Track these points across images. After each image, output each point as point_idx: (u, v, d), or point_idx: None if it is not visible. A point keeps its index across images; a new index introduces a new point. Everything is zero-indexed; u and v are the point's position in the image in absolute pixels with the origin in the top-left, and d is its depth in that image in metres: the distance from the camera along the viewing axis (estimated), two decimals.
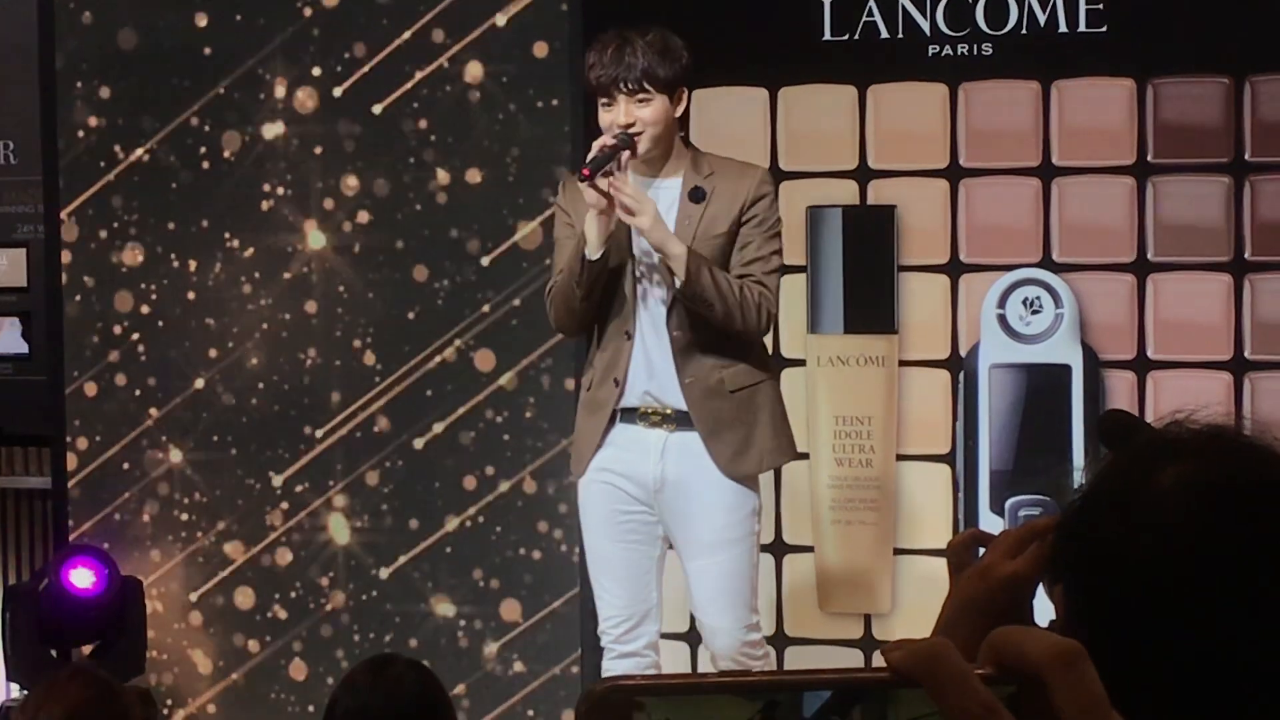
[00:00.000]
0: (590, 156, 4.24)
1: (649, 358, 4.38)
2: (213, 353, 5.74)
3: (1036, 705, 0.76)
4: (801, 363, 5.15)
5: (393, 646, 5.50)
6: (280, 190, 5.69)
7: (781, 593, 5.25)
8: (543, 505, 5.53)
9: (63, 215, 5.81)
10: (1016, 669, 0.77)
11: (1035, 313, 5.08)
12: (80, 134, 5.80)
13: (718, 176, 4.40)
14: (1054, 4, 5.07)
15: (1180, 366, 5.03)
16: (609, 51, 4.33)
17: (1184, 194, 5.02)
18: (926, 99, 5.15)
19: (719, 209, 4.38)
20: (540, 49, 5.49)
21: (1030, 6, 5.08)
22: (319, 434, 5.69)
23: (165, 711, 5.75)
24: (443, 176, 5.59)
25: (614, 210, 4.23)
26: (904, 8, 5.15)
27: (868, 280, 5.19)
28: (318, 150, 5.67)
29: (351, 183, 5.65)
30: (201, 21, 5.72)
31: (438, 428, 5.61)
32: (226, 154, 5.73)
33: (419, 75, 5.58)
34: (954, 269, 5.16)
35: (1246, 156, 4.99)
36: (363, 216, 5.65)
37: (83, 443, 5.82)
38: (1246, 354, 5.00)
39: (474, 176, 5.56)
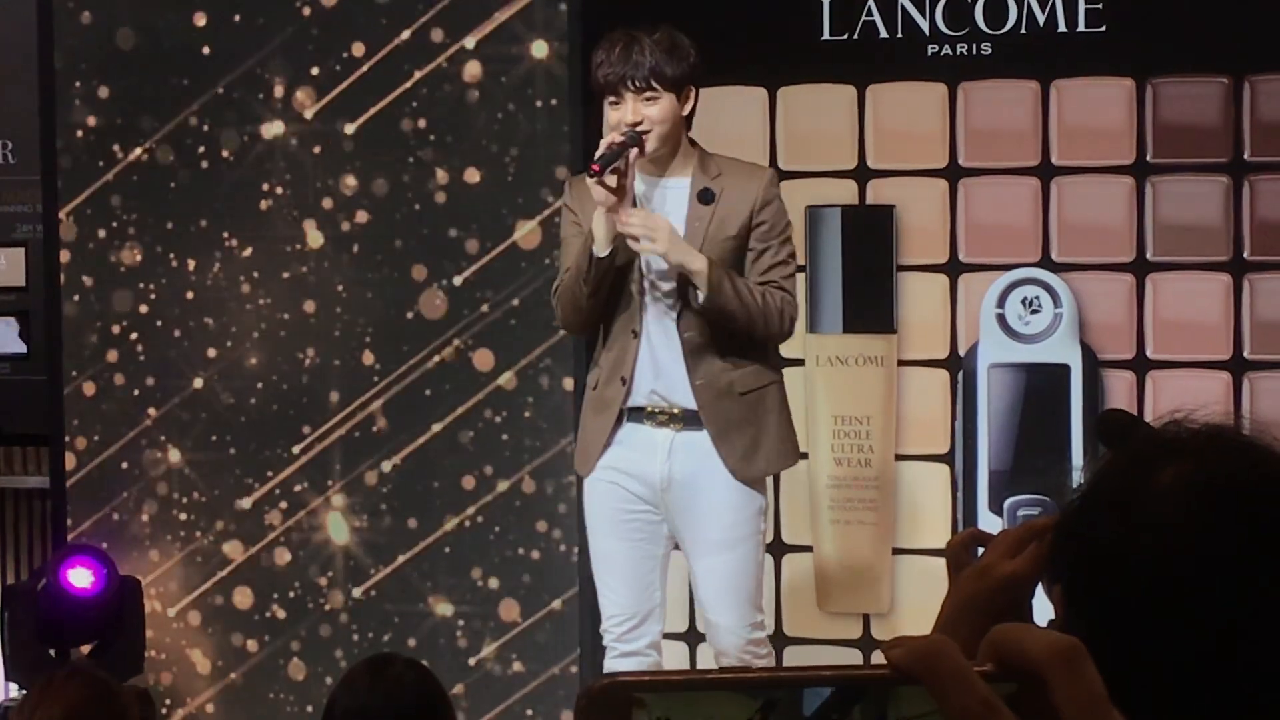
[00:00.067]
0: (599, 153, 4.26)
1: (655, 356, 4.39)
2: (211, 352, 5.74)
3: (1037, 703, 0.76)
4: (800, 362, 5.15)
5: (391, 646, 5.50)
6: (279, 190, 5.69)
7: (780, 592, 5.25)
8: (541, 505, 5.53)
9: (61, 215, 5.81)
10: (1017, 666, 0.77)
11: (1034, 312, 5.08)
12: (79, 133, 5.79)
13: (725, 177, 4.41)
14: (1053, 4, 5.07)
15: (1179, 366, 5.03)
16: (617, 50, 4.34)
17: (1183, 194, 5.02)
18: (926, 99, 5.15)
19: (728, 211, 4.39)
20: (539, 49, 5.49)
21: (1029, 6, 5.08)
22: (318, 434, 5.69)
23: (164, 711, 5.75)
24: (441, 176, 5.59)
25: (622, 207, 4.24)
26: (903, 7, 5.15)
27: (867, 280, 5.18)
28: (316, 150, 5.66)
29: (350, 182, 5.65)
30: (200, 21, 5.72)
31: (436, 427, 5.61)
32: (225, 154, 5.73)
33: (418, 75, 5.58)
34: (953, 269, 5.16)
35: (1246, 156, 4.99)
36: (361, 216, 5.64)
37: (81, 442, 5.82)
38: (1245, 354, 5.00)
39: (473, 176, 5.56)
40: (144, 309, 5.78)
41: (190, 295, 5.75)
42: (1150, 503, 1.27)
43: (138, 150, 5.77)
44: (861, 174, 5.20)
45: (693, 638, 5.22)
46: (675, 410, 4.40)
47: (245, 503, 5.74)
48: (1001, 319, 5.10)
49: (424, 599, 5.61)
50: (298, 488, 5.70)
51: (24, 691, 5.37)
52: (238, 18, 5.69)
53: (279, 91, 5.68)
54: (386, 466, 5.65)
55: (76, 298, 5.81)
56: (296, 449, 5.70)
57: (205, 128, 5.73)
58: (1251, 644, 1.22)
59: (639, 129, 4.30)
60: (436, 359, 5.60)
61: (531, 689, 5.54)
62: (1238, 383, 5.00)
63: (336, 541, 5.69)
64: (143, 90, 5.76)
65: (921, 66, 5.14)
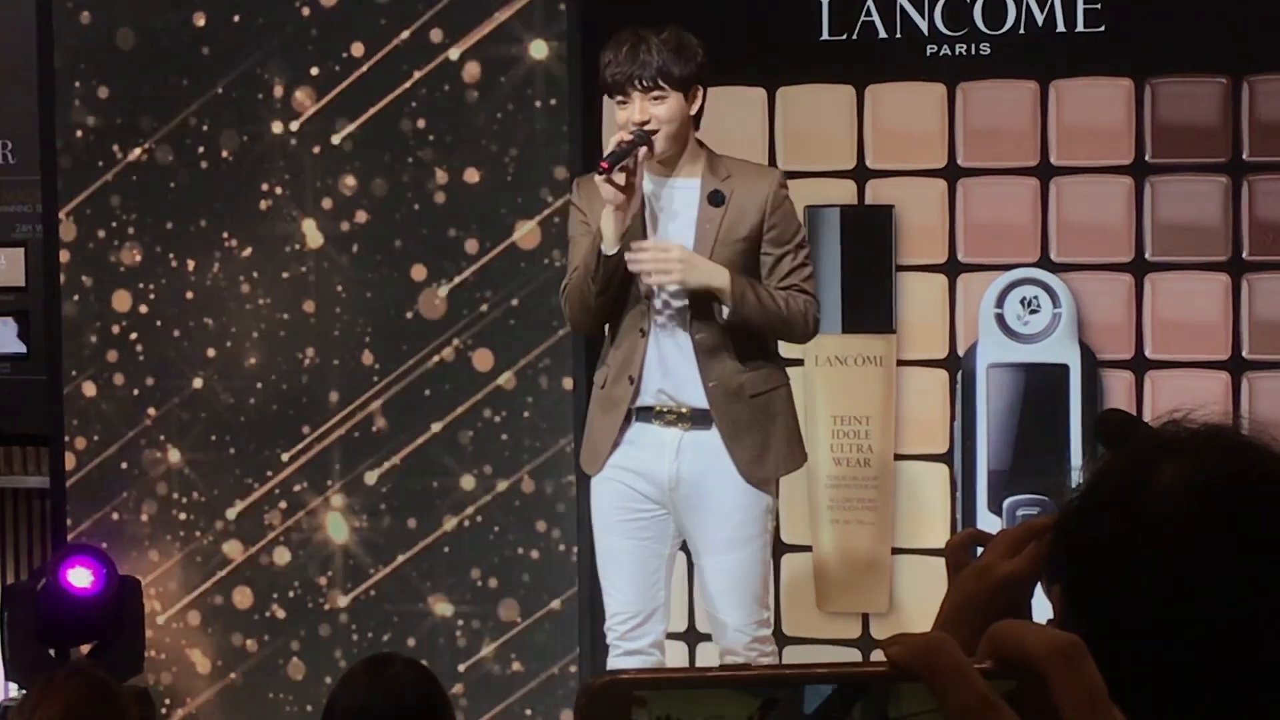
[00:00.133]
0: (608, 152, 4.27)
1: (662, 355, 4.40)
2: (211, 352, 5.74)
3: (1036, 700, 0.76)
4: (800, 362, 5.15)
5: (391, 646, 5.50)
6: (279, 190, 5.69)
7: (780, 592, 5.25)
8: (541, 505, 5.53)
9: (61, 215, 5.81)
10: (1016, 663, 0.77)
11: (1033, 312, 5.08)
12: (79, 133, 5.79)
13: (735, 179, 4.43)
14: (1052, 4, 5.07)
15: (1178, 366, 5.03)
16: (624, 49, 4.36)
17: (1182, 193, 5.02)
18: (925, 99, 5.15)
19: (738, 213, 4.41)
20: (539, 49, 5.49)
21: (1028, 6, 5.09)
22: (317, 433, 5.69)
23: (163, 711, 5.75)
24: (441, 176, 5.59)
25: (630, 205, 4.26)
26: (902, 8, 5.15)
27: (866, 280, 5.18)
28: (316, 150, 5.67)
29: (350, 182, 5.65)
30: (200, 21, 5.72)
31: (436, 427, 5.61)
32: (225, 153, 5.73)
33: (417, 75, 5.58)
34: (952, 269, 5.16)
35: (1244, 156, 4.99)
36: (361, 216, 5.65)
37: (81, 442, 5.82)
38: (1244, 354, 5.00)
39: (472, 176, 5.56)
40: (143, 309, 5.78)
41: (190, 295, 5.75)
42: (1149, 502, 1.27)
43: (137, 150, 5.77)
44: (860, 174, 5.20)
45: (693, 637, 5.22)
46: (683, 409, 4.41)
47: (245, 503, 5.74)
48: (1000, 319, 5.10)
49: (423, 599, 5.62)
50: (297, 487, 5.70)
51: (24, 691, 5.37)
52: (237, 18, 5.69)
53: (278, 91, 5.68)
54: (386, 466, 5.65)
55: (76, 298, 5.81)
56: (296, 449, 5.70)
57: (205, 128, 5.73)
58: (1250, 643, 1.22)
59: (647, 128, 4.32)
60: (436, 360, 5.60)
61: (531, 689, 5.54)
62: (1236, 382, 5.00)
63: (336, 541, 5.69)
64: (142, 90, 5.76)
65: (920, 67, 5.14)
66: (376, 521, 5.66)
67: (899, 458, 5.19)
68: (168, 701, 5.78)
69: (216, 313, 5.73)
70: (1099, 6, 5.04)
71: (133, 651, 5.57)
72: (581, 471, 5.30)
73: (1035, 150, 5.09)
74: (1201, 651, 1.22)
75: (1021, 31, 5.09)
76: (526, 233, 5.53)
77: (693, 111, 4.41)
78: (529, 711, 5.55)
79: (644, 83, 4.33)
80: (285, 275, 5.69)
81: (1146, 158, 5.03)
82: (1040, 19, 5.08)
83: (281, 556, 5.72)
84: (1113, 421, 1.60)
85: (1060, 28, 5.07)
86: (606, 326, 4.49)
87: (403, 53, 5.59)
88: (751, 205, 4.41)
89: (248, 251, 5.71)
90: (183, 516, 5.78)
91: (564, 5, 5.44)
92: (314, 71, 5.66)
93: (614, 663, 4.58)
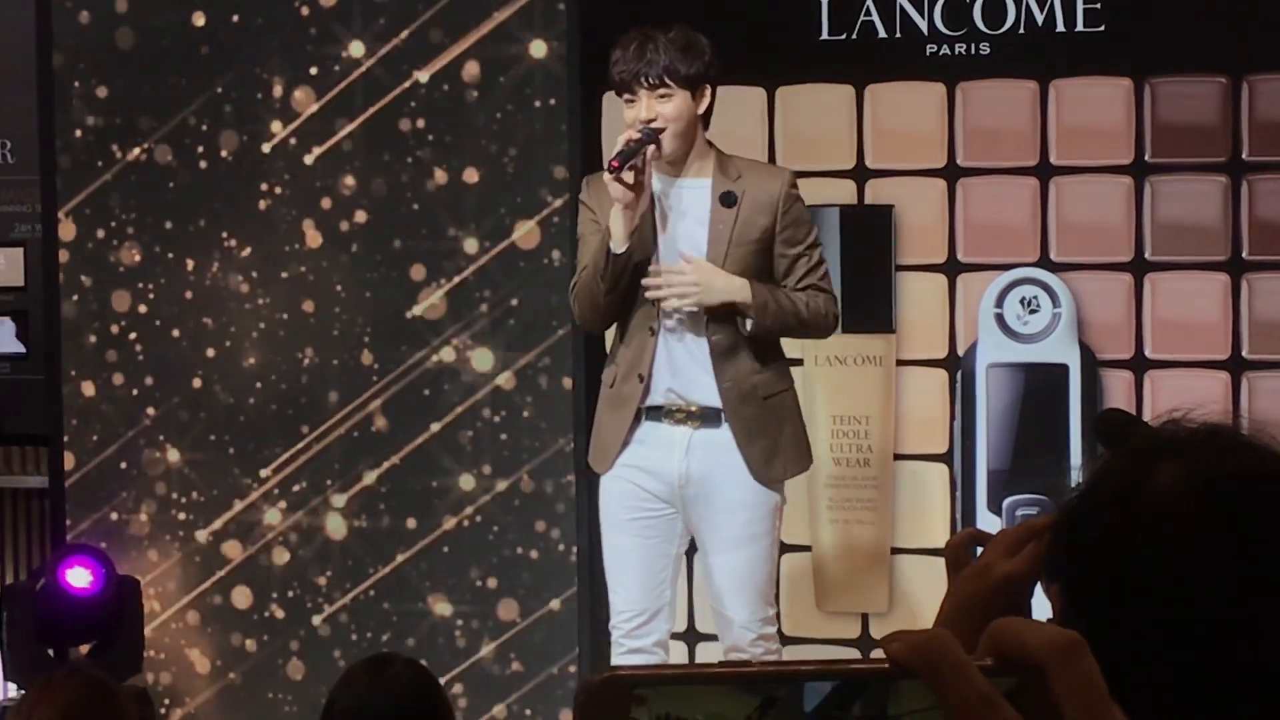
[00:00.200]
0: (616, 150, 4.29)
1: (671, 354, 4.43)
2: (210, 352, 5.74)
3: (1036, 697, 0.76)
4: (799, 362, 5.15)
5: (390, 646, 5.50)
6: (278, 190, 5.69)
7: (779, 592, 5.24)
8: (540, 505, 5.53)
9: (60, 214, 5.81)
10: (1017, 660, 0.77)
11: (1033, 312, 5.08)
12: (78, 133, 5.79)
13: (746, 179, 4.45)
14: (1052, 4, 5.07)
15: (1178, 366, 5.03)
16: (631, 48, 4.38)
17: (1181, 193, 5.02)
18: (924, 98, 5.15)
19: (750, 214, 4.43)
20: (538, 49, 5.49)
21: (1028, 6, 5.08)
22: (316, 433, 5.69)
23: (163, 711, 5.75)
24: (440, 176, 5.59)
25: (639, 204, 4.27)
26: (902, 7, 5.15)
27: (865, 280, 5.18)
28: (315, 149, 5.66)
29: (349, 182, 5.64)
30: (199, 21, 5.72)
31: (435, 427, 5.60)
32: (224, 153, 5.72)
33: (416, 75, 5.58)
34: (951, 268, 5.16)
35: (1244, 156, 4.99)
36: (360, 216, 5.64)
37: (80, 442, 5.82)
38: (1244, 353, 5.00)
39: (471, 176, 5.56)
40: (143, 309, 5.78)
41: (189, 295, 5.75)
42: (1148, 502, 1.27)
43: (136, 150, 5.77)
44: (860, 174, 5.20)
45: (692, 637, 5.22)
46: (693, 408, 4.43)
47: (244, 502, 5.73)
48: (1000, 319, 5.10)
49: (423, 598, 5.61)
50: (296, 487, 5.70)
51: (22, 692, 5.37)
52: (236, 18, 5.69)
53: (278, 91, 5.68)
54: (385, 466, 5.64)
55: (75, 297, 5.81)
56: (295, 449, 5.70)
57: (204, 127, 5.73)
58: (1249, 641, 1.22)
59: (653, 126, 4.33)
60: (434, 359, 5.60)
61: (530, 689, 5.54)
62: (1236, 382, 5.00)
63: (335, 541, 5.69)
64: (142, 90, 5.76)
65: (920, 66, 5.14)
66: (376, 521, 5.65)
67: (899, 457, 5.19)
68: (167, 701, 5.78)
69: (216, 313, 5.73)
70: (1099, 6, 5.04)
71: (132, 651, 5.57)
72: (581, 471, 5.31)
73: (1035, 150, 5.09)
74: (1201, 651, 1.21)
75: (1021, 31, 5.09)
76: (526, 232, 5.53)
77: (700, 111, 4.43)
78: (528, 711, 5.55)
79: (650, 80, 4.35)
80: (284, 275, 5.69)
81: (1146, 157, 5.03)
82: (1040, 19, 5.08)
83: (281, 556, 5.72)
84: (1112, 421, 1.60)
85: (1060, 27, 5.07)
86: (618, 324, 4.51)
87: (402, 52, 5.59)
88: (764, 206, 4.43)
89: (247, 251, 5.71)
90: (182, 516, 5.78)
91: (563, 5, 5.43)
92: (313, 71, 5.66)
93: (617, 660, 4.59)
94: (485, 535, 5.57)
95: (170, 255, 5.76)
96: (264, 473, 5.72)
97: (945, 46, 5.14)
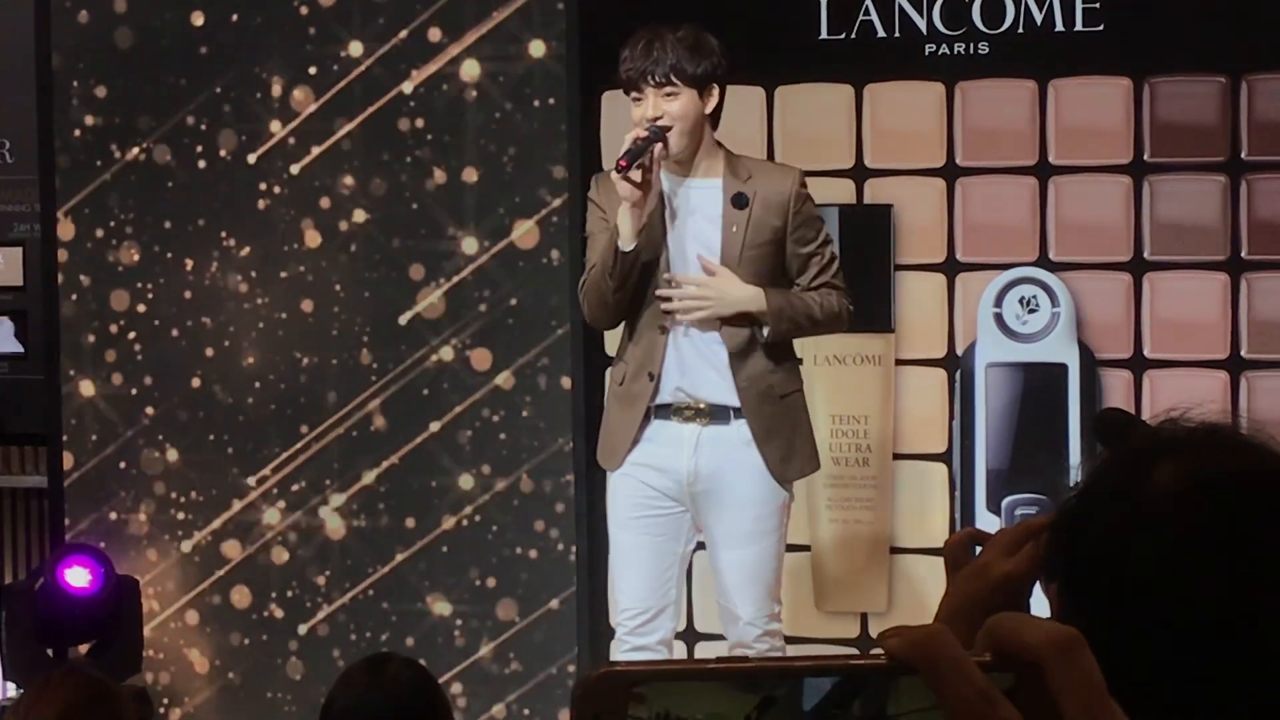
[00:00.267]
0: (624, 149, 4.29)
1: (681, 353, 4.44)
2: (209, 352, 5.74)
3: (1035, 693, 0.76)
4: (799, 361, 5.15)
5: (389, 645, 5.50)
6: (277, 189, 5.69)
7: None
8: (539, 504, 5.53)
9: (59, 214, 5.81)
10: (1015, 655, 0.76)
11: (1032, 311, 5.08)
12: (77, 133, 5.79)
13: (756, 179, 4.48)
14: (1050, 3, 5.07)
15: (1177, 365, 5.03)
16: (639, 46, 4.41)
17: (1180, 193, 5.02)
18: (923, 98, 5.15)
19: (762, 214, 4.46)
20: (537, 48, 5.49)
21: (1027, 5, 5.08)
22: (315, 433, 5.69)
23: (161, 711, 5.75)
24: (439, 175, 5.59)
25: (646, 202, 4.29)
26: (900, 7, 5.15)
27: (864, 279, 5.17)
28: (314, 149, 5.66)
29: (348, 182, 5.64)
30: (198, 20, 5.72)
31: (434, 427, 5.60)
32: (223, 153, 5.72)
33: (415, 74, 5.58)
34: (950, 268, 5.16)
35: (1243, 155, 4.99)
36: (359, 215, 5.64)
37: (79, 442, 5.82)
38: (1243, 353, 5.00)
39: (470, 175, 5.56)
40: (141, 308, 5.78)
41: (188, 295, 5.75)
42: (1146, 501, 1.27)
43: (135, 150, 5.77)
44: (859, 173, 5.20)
45: (692, 637, 5.22)
46: (701, 405, 4.45)
47: (243, 502, 5.73)
48: (999, 318, 5.10)
49: (422, 598, 5.61)
50: (295, 487, 5.70)
51: (22, 691, 5.37)
52: (235, 17, 5.69)
53: (277, 91, 5.68)
54: (384, 466, 5.64)
55: (74, 297, 5.81)
56: (294, 448, 5.70)
57: (203, 127, 5.73)
58: (1248, 640, 1.22)
59: (660, 124, 4.34)
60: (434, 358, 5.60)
61: (529, 688, 5.54)
62: (1235, 382, 5.00)
63: (334, 541, 5.69)
64: (140, 90, 5.76)
65: (919, 66, 5.14)
66: (375, 521, 5.65)
67: (897, 457, 5.19)
68: (166, 701, 5.78)
69: (214, 312, 5.73)
70: (1098, 6, 5.04)
71: (131, 651, 5.57)
72: (580, 471, 5.32)
73: (1034, 149, 5.09)
74: (1199, 650, 1.21)
75: (1020, 31, 5.09)
76: (525, 232, 5.53)
77: (708, 110, 4.44)
78: (527, 711, 5.55)
79: (657, 78, 4.37)
80: (283, 275, 5.69)
81: (1145, 157, 5.03)
82: (1039, 18, 5.08)
83: (279, 556, 5.72)
84: (1111, 421, 1.59)
85: (1059, 27, 5.07)
86: (626, 322, 4.53)
87: (401, 52, 5.59)
88: (775, 206, 4.46)
89: (246, 251, 5.71)
90: (181, 516, 5.78)
91: (562, 4, 5.43)
92: (312, 71, 5.65)
93: (621, 658, 4.60)
94: (484, 535, 5.57)
95: (169, 255, 5.76)
96: (263, 472, 5.72)
97: (944, 46, 5.14)
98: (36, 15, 5.82)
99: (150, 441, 5.78)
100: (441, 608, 5.60)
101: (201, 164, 5.73)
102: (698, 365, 4.45)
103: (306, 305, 5.68)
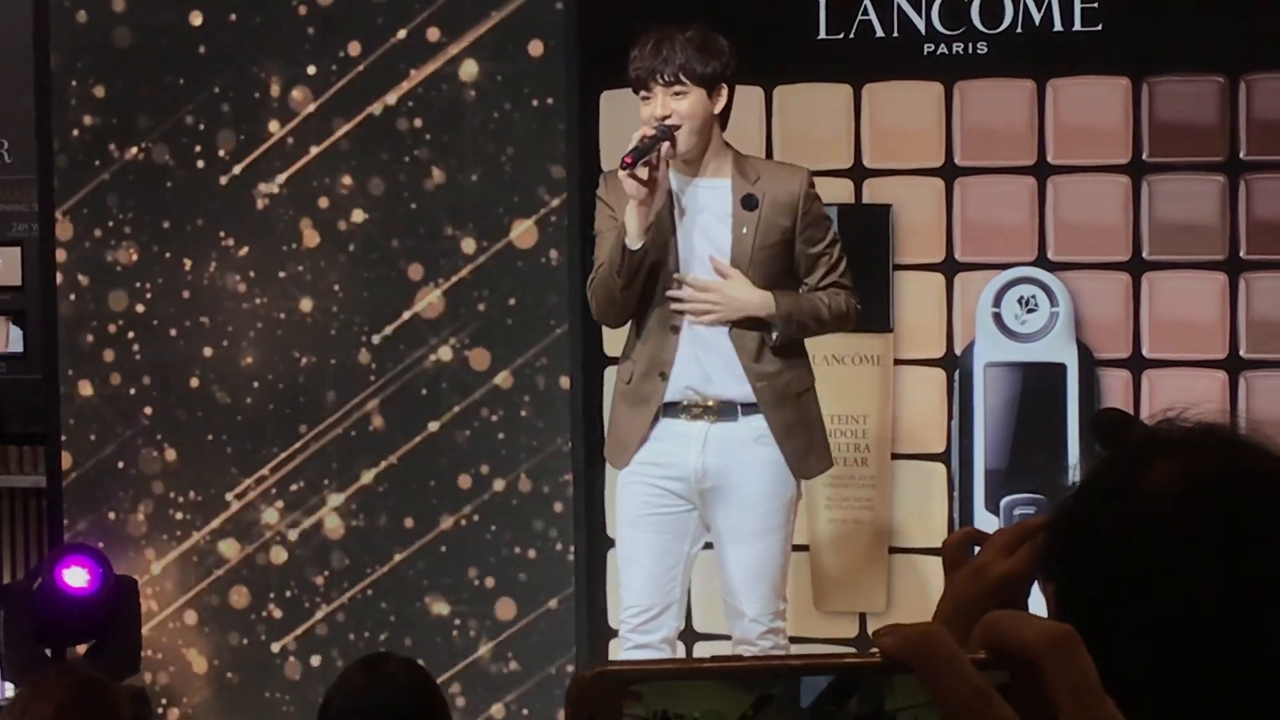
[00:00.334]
0: (631, 146, 4.30)
1: (693, 351, 4.45)
2: (207, 351, 5.74)
3: (1030, 690, 0.76)
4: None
5: (387, 645, 5.50)
6: (275, 189, 5.69)
7: None
8: (538, 504, 5.53)
9: (57, 214, 5.81)
10: (1010, 652, 0.76)
11: (1030, 311, 5.08)
12: (75, 132, 5.79)
13: (764, 181, 4.50)
14: (1049, 3, 5.07)
15: (1175, 365, 5.03)
16: (649, 46, 4.44)
17: (1179, 192, 5.02)
18: (922, 98, 5.15)
19: (771, 215, 4.48)
20: (535, 47, 5.49)
21: (1025, 5, 5.08)
22: (314, 433, 5.69)
23: (160, 710, 5.75)
24: (438, 175, 5.58)
25: (653, 200, 4.30)
26: (899, 7, 5.15)
27: (863, 279, 5.16)
28: (313, 149, 5.66)
29: (347, 181, 5.64)
30: (197, 20, 5.72)
31: (433, 426, 5.60)
32: (221, 153, 5.72)
33: (414, 74, 5.58)
34: (949, 268, 5.16)
35: (1241, 155, 4.99)
36: (358, 215, 5.64)
37: (77, 441, 5.82)
38: (1242, 352, 5.00)
39: (469, 175, 5.56)
40: (140, 308, 5.77)
41: (186, 294, 5.74)
42: (1142, 501, 1.27)
43: (134, 149, 5.77)
44: (858, 173, 5.20)
45: (691, 637, 5.22)
46: (709, 402, 4.47)
47: (241, 502, 5.73)
48: (998, 318, 5.10)
49: (420, 598, 5.61)
50: (294, 487, 5.70)
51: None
52: (234, 17, 5.69)
53: (275, 90, 5.68)
54: (383, 465, 5.64)
55: (72, 296, 5.80)
56: (293, 448, 5.70)
57: (201, 127, 5.72)
58: (1244, 640, 1.22)
59: (668, 122, 4.36)
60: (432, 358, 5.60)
61: (527, 688, 5.54)
62: (1234, 382, 5.00)
63: (333, 540, 5.68)
64: (139, 89, 5.76)
65: (918, 66, 5.14)
66: (373, 521, 5.65)
67: (896, 457, 5.19)
68: (164, 701, 5.78)
69: (213, 312, 5.73)
70: (1096, 5, 5.04)
71: (129, 651, 5.56)
72: (579, 471, 5.32)
73: (1032, 149, 5.09)
74: (1196, 649, 1.21)
75: (1019, 30, 5.09)
76: (523, 232, 5.52)
77: (717, 110, 4.47)
78: (525, 711, 5.55)
79: (666, 77, 4.39)
80: (282, 274, 5.69)
81: (1144, 157, 5.03)
82: (1037, 18, 5.08)
83: (278, 556, 5.72)
84: (1109, 421, 1.60)
85: (1057, 26, 5.07)
86: (633, 320, 4.54)
87: (400, 52, 5.59)
88: (784, 207, 4.49)
89: (244, 250, 5.71)
90: (179, 516, 5.78)
91: (561, 4, 5.43)
92: (311, 70, 5.65)
93: (624, 655, 4.61)
94: (483, 535, 5.57)
95: (168, 255, 5.76)
96: (261, 472, 5.72)
97: (943, 46, 5.13)
98: (35, 15, 5.82)
99: (149, 441, 5.78)
100: (440, 608, 5.60)
101: (200, 164, 5.73)
102: (710, 363, 4.47)
103: (305, 305, 5.68)
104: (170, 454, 5.77)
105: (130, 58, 5.76)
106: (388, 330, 5.62)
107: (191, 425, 5.75)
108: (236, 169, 5.70)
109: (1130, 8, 5.02)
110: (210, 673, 5.78)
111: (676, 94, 4.41)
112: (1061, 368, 5.05)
